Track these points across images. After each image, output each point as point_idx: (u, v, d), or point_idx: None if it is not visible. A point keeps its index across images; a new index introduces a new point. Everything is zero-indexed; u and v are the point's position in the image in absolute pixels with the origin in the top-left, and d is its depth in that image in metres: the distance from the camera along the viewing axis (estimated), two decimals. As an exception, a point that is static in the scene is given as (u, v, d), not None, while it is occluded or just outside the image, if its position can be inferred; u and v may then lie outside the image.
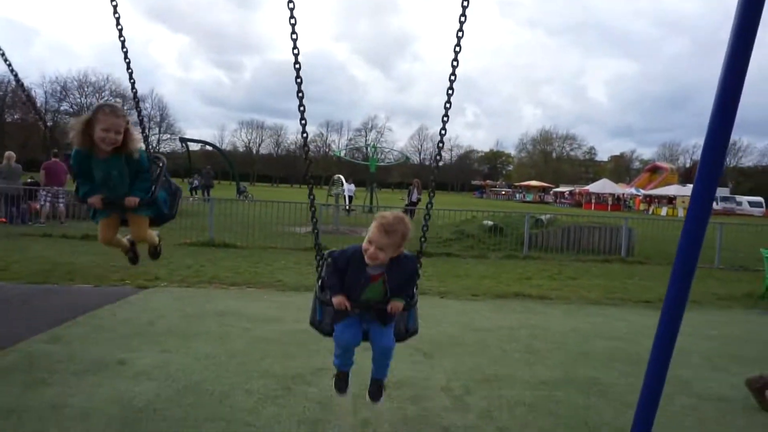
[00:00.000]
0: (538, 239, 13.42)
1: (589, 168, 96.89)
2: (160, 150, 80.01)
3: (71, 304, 5.53)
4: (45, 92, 71.21)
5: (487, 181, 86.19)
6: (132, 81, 3.24)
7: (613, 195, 52.63)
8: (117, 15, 3.03)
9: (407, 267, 2.75)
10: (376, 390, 2.97)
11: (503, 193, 75.40)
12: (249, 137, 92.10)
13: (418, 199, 18.90)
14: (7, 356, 3.90)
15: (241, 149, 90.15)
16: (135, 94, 3.31)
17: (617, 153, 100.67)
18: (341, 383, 2.96)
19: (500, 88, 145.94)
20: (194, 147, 42.34)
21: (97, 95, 73.13)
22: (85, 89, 72.62)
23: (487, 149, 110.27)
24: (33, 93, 69.02)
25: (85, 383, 3.51)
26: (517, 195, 70.39)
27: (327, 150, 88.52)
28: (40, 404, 3.15)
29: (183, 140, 30.19)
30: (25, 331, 4.45)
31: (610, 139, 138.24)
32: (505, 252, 12.49)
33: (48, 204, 13.80)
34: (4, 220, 13.08)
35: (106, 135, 2.83)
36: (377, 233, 2.53)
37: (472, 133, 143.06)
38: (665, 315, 2.69)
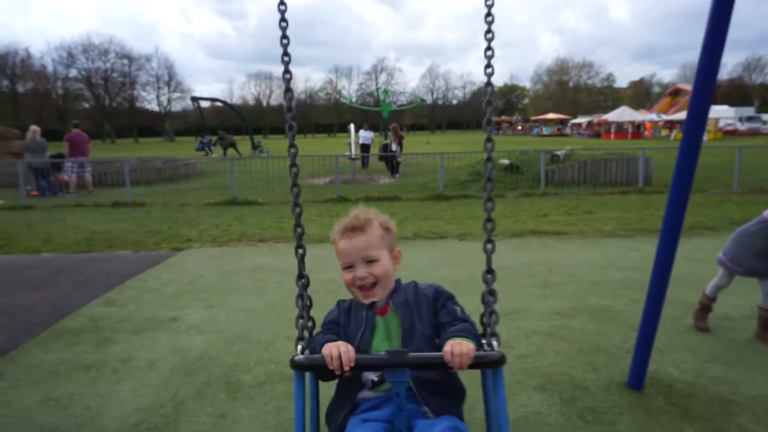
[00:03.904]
0: (555, 175, 13.55)
1: (608, 96, 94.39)
2: (172, 109, 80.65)
3: (117, 270, 5.99)
4: (52, 60, 71.21)
5: (503, 117, 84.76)
6: None
7: (633, 123, 51.54)
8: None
9: (419, 289, 1.78)
10: None
11: (519, 128, 74.28)
12: (258, 89, 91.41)
13: (398, 149, 17.25)
14: (75, 319, 4.36)
15: (251, 102, 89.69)
16: None
17: (637, 78, 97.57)
18: None
19: (515, 17, 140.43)
20: (205, 104, 42.47)
21: (103, 58, 72.91)
22: (90, 53, 72.23)
23: (501, 84, 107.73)
24: (42, 62, 69.10)
25: (146, 339, 3.94)
26: (535, 129, 69.33)
27: (338, 97, 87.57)
28: (112, 359, 3.59)
29: (194, 99, 30.34)
30: (84, 297, 4.91)
31: (630, 63, 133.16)
32: (523, 190, 12.68)
33: (74, 175, 14.31)
34: (35, 193, 13.63)
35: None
36: (347, 243, 1.72)
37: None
38: (662, 242, 2.96)
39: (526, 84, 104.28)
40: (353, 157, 17.81)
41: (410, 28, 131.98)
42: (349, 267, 1.74)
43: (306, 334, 1.78)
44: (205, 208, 11.16)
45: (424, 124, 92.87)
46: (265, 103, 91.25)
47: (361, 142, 19.43)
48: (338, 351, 1.50)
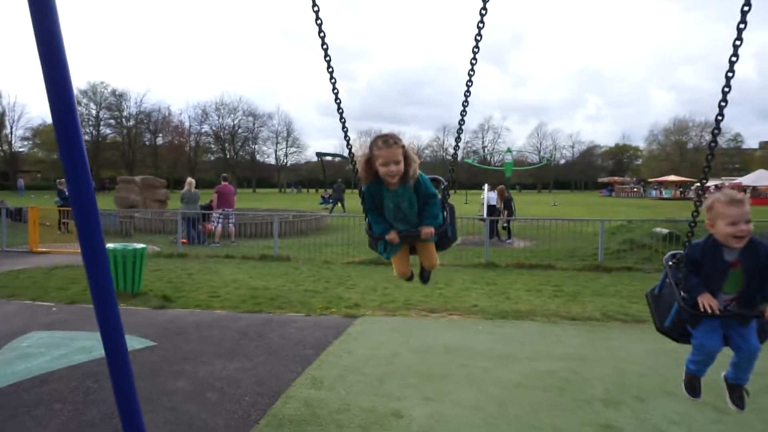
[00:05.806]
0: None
1: (734, 158, 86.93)
2: (288, 163, 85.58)
3: (301, 338, 5.62)
4: (188, 117, 78.60)
5: (615, 178, 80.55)
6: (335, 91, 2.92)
7: (773, 188, 46.57)
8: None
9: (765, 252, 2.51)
10: (739, 396, 2.83)
11: (634, 190, 69.88)
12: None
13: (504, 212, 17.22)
14: (289, 403, 3.92)
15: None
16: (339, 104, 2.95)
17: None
18: (695, 388, 2.91)
19: (627, 75, 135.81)
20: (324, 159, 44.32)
21: (232, 115, 79.28)
22: (221, 110, 78.86)
23: (611, 144, 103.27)
24: (180, 118, 76.61)
25: (380, 441, 3.39)
26: (653, 192, 64.90)
27: (444, 154, 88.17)
28: (356, 468, 3.05)
29: (320, 155, 31.46)
30: (282, 371, 4.52)
31: (759, 122, 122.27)
32: (692, 264, 11.17)
33: (220, 225, 14.85)
34: (185, 240, 14.24)
35: (387, 169, 2.68)
36: (738, 210, 2.49)
37: (593, 127, 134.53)
38: None
39: (640, 144, 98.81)
40: (484, 218, 17.10)
41: (515, 87, 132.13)
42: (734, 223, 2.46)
43: None
44: (351, 267, 10.89)
45: (528, 184, 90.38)
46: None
47: (489, 203, 18.65)
48: (710, 303, 2.46)
